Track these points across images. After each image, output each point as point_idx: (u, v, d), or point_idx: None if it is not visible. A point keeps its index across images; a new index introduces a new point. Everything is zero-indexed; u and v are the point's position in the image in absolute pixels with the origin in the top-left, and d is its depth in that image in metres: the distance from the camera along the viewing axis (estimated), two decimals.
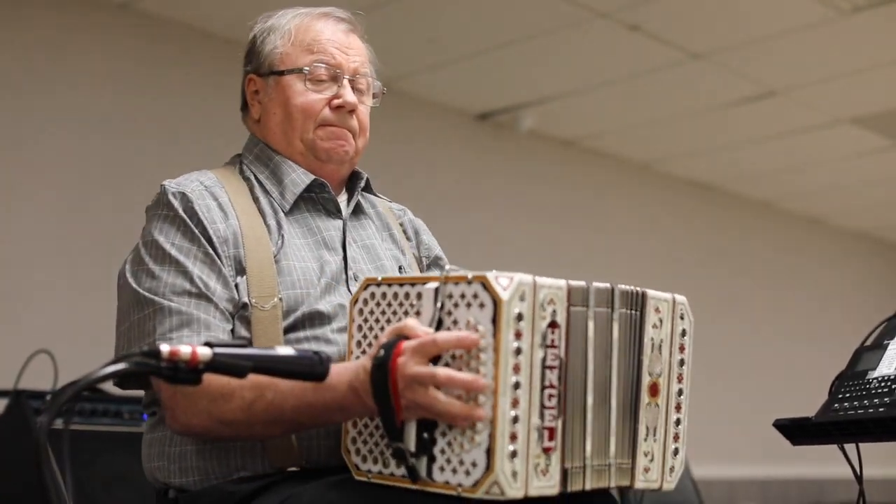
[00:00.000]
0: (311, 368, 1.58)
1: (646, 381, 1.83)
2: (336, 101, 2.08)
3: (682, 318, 1.89)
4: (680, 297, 1.89)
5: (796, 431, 2.21)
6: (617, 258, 7.28)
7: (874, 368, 2.19)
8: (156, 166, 5.00)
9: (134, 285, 1.92)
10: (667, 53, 5.66)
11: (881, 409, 2.07)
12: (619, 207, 7.50)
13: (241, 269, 1.94)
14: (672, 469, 1.88)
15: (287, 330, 1.93)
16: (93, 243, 4.88)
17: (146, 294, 1.90)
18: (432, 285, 1.69)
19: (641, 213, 7.63)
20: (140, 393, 2.09)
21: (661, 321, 1.85)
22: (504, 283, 1.61)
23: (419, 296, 1.71)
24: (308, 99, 2.08)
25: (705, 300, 7.51)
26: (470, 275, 1.64)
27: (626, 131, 6.99)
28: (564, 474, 1.68)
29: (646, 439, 1.84)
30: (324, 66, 2.09)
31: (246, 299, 1.92)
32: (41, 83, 4.87)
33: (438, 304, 1.67)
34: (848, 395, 2.16)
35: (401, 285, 1.74)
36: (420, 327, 1.66)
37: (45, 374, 3.53)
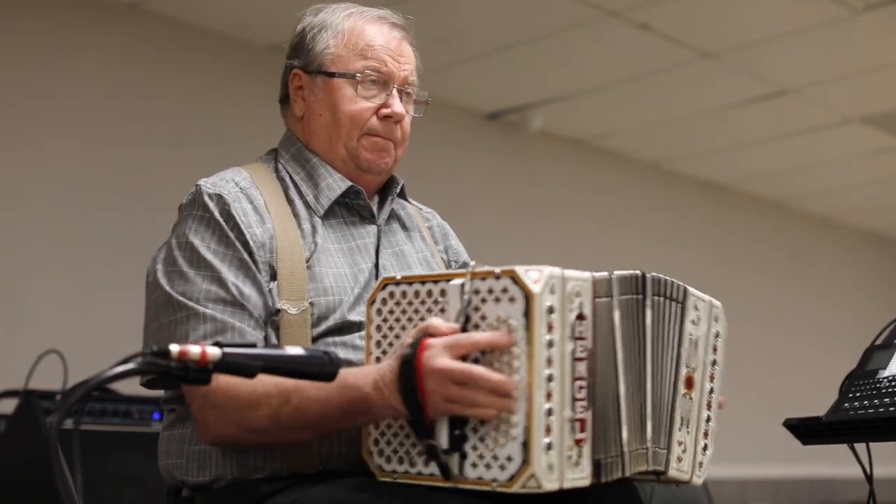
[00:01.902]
0: (321, 368, 1.57)
1: (683, 372, 1.86)
2: (384, 111, 2.06)
3: (716, 320, 1.93)
4: (716, 302, 1.93)
5: (806, 431, 2.21)
6: (626, 258, 7.25)
7: (884, 368, 2.19)
8: (165, 168, 5.02)
9: (167, 287, 1.91)
10: (677, 53, 5.66)
11: (891, 409, 2.06)
12: (628, 207, 7.49)
13: (273, 274, 1.93)
14: (701, 464, 1.91)
15: (317, 337, 1.92)
16: (102, 244, 4.89)
17: (179, 298, 1.88)
18: (458, 281, 1.68)
19: (651, 213, 7.62)
20: (150, 393, 2.09)
21: (698, 318, 1.88)
22: (534, 276, 1.61)
23: (443, 292, 1.70)
24: (358, 107, 2.05)
25: (715, 299, 7.47)
26: (497, 269, 1.64)
27: (635, 131, 6.99)
28: (597, 466, 1.68)
29: (680, 429, 1.85)
30: (375, 73, 2.06)
31: (277, 304, 1.91)
32: (50, 84, 4.88)
33: (465, 300, 1.66)
34: (858, 394, 2.16)
35: (422, 283, 1.73)
36: (444, 324, 1.66)
37: (55, 374, 3.53)
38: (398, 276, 1.77)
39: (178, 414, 1.97)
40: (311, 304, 1.92)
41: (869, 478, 2.26)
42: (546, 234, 6.87)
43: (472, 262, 1.71)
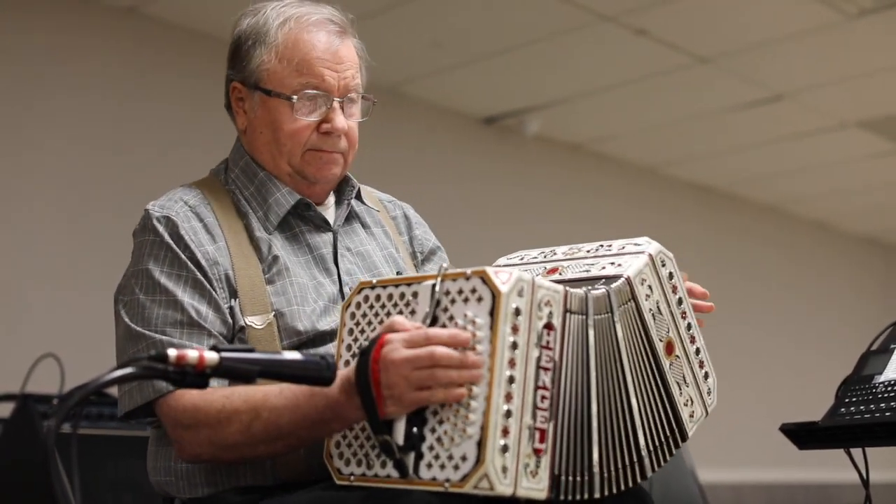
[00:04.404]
0: (318, 372, 1.57)
1: (659, 347, 1.85)
2: (325, 127, 2.00)
3: (663, 265, 1.90)
4: (652, 248, 1.90)
5: (803, 436, 2.21)
6: None
7: (881, 373, 2.19)
8: (163, 170, 5.02)
9: (126, 319, 1.90)
10: (673, 57, 5.66)
11: (888, 414, 2.07)
12: (624, 211, 7.50)
13: (233, 291, 1.91)
14: (709, 391, 1.92)
15: (290, 349, 1.88)
16: (97, 247, 4.88)
17: (137, 329, 1.88)
18: (429, 283, 1.68)
19: (648, 217, 7.62)
20: None
21: (650, 288, 1.86)
22: (504, 277, 1.62)
23: (415, 294, 1.70)
24: (297, 126, 1.99)
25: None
26: (468, 270, 1.64)
27: (632, 135, 6.99)
28: (556, 481, 1.67)
29: (681, 392, 1.86)
30: (313, 90, 1.99)
31: (241, 321, 1.89)
32: (49, 85, 4.88)
33: (435, 301, 1.66)
34: (854, 399, 2.16)
35: (396, 286, 1.73)
36: (408, 322, 1.65)
37: (52, 378, 3.52)
38: (374, 281, 1.76)
39: (164, 430, 1.94)
40: (275, 316, 1.90)
41: (865, 483, 2.26)
42: (542, 238, 6.84)
43: (444, 265, 1.72)
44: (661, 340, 1.86)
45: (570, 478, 1.69)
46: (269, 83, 2.00)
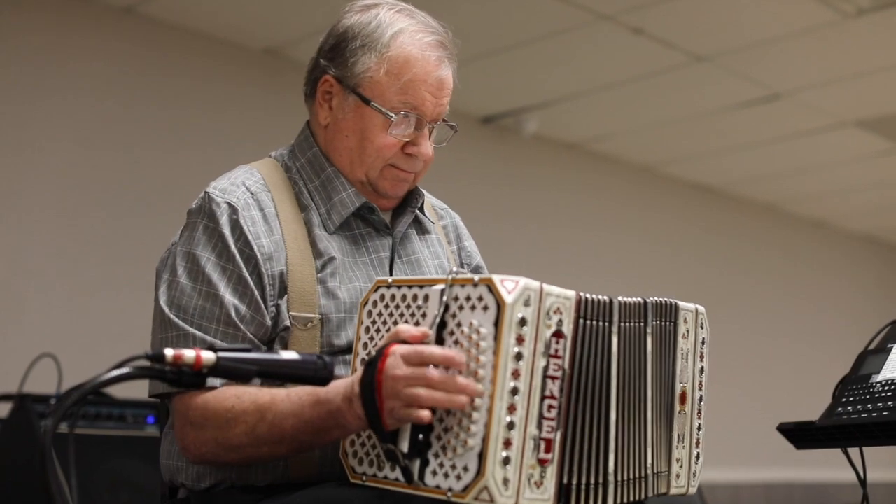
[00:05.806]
0: (315, 372, 1.58)
1: (678, 389, 1.86)
2: (412, 150, 1.99)
3: (702, 327, 1.92)
4: (700, 308, 1.92)
5: (800, 435, 2.21)
6: (621, 261, 7.28)
7: (878, 372, 2.19)
8: (161, 171, 5.02)
9: (162, 301, 1.88)
10: (670, 56, 5.66)
11: (885, 413, 2.07)
12: (622, 210, 7.50)
13: (283, 288, 1.89)
14: (695, 474, 1.92)
15: (330, 354, 1.88)
16: (97, 247, 4.89)
17: (171, 316, 1.86)
18: (439, 287, 1.68)
19: (645, 217, 7.63)
20: (144, 397, 2.09)
21: (688, 331, 1.88)
22: (509, 286, 1.60)
23: (426, 297, 1.69)
24: (386, 141, 1.96)
25: (709, 303, 7.46)
26: (476, 277, 1.63)
27: (630, 134, 6.99)
28: (565, 490, 1.67)
29: (677, 447, 1.86)
30: (411, 110, 1.96)
31: (287, 320, 1.88)
32: (46, 86, 4.88)
33: (443, 307, 1.65)
34: (852, 399, 2.16)
35: (409, 287, 1.73)
36: (414, 329, 1.65)
37: (49, 377, 3.53)
38: (390, 280, 1.76)
39: None
40: (321, 320, 1.89)
41: (863, 482, 2.26)
42: (540, 237, 6.87)
43: (456, 269, 1.71)
44: (680, 383, 1.86)
45: (584, 484, 1.69)
46: (369, 92, 1.97)
